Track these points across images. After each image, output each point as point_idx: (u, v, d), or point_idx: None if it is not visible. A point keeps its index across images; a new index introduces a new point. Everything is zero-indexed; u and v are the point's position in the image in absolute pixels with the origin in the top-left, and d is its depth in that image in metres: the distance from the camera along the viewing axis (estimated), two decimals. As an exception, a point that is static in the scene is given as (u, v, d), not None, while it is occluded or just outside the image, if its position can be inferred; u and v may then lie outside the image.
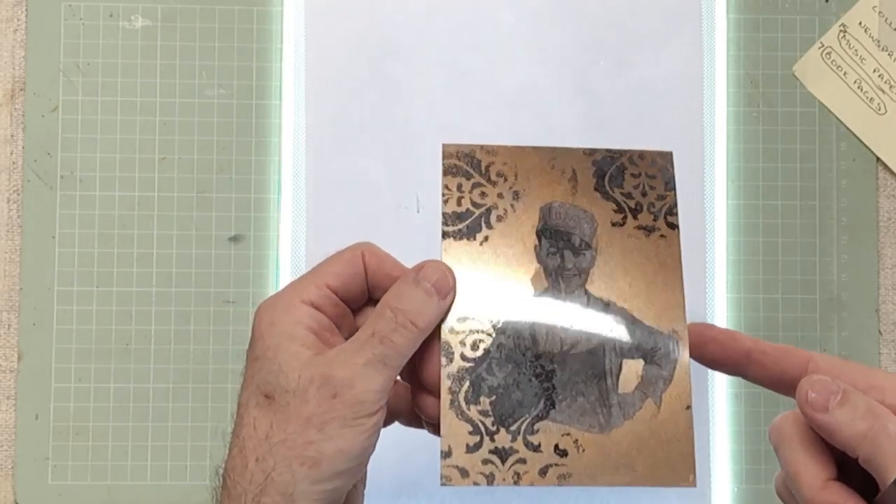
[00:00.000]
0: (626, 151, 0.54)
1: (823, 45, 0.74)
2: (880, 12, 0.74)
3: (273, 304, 0.50)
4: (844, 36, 0.74)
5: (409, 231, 0.72)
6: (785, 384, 0.51)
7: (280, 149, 0.72)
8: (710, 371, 0.71)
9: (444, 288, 0.50)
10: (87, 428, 0.71)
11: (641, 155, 0.54)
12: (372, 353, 0.48)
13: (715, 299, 0.72)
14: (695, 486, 0.50)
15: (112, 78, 0.73)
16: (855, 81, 0.74)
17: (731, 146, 0.73)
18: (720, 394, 0.71)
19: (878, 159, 0.74)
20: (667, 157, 0.54)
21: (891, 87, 0.74)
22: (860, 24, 0.74)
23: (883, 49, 0.74)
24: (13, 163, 0.73)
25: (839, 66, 0.74)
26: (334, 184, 0.72)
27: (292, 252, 0.72)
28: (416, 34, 0.73)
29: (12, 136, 0.73)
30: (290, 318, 0.49)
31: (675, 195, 0.54)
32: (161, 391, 0.71)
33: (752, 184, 0.73)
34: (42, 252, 0.72)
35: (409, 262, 0.73)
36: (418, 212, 0.72)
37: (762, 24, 0.74)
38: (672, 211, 0.53)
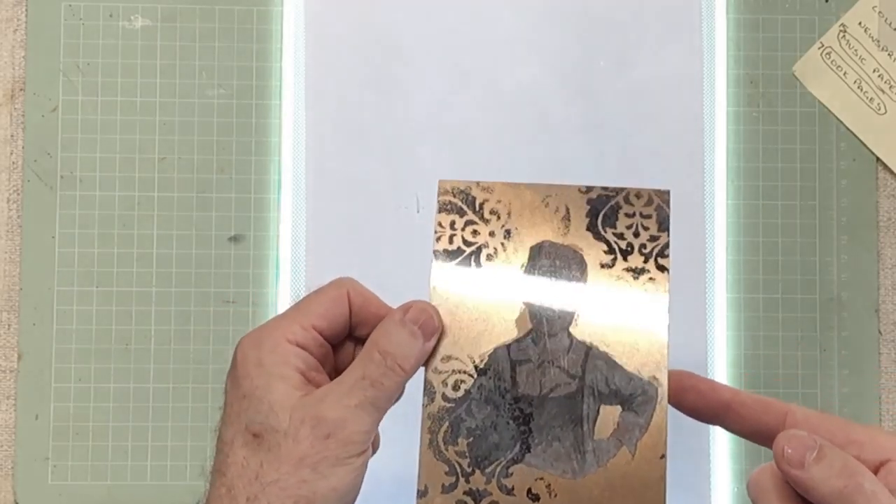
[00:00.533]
0: (622, 190, 0.53)
1: (823, 45, 0.74)
2: (880, 12, 0.74)
3: (258, 341, 0.50)
4: (844, 36, 0.74)
5: (409, 231, 0.72)
6: (763, 436, 0.51)
7: (280, 149, 0.72)
8: (710, 373, 0.71)
9: (429, 330, 0.51)
10: (87, 428, 0.71)
11: (638, 194, 0.53)
12: (363, 396, 0.49)
13: (715, 299, 0.72)
14: None
15: (112, 78, 0.73)
16: (855, 81, 0.74)
17: (731, 146, 0.73)
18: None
19: (878, 159, 0.74)
20: (663, 197, 0.53)
21: (891, 87, 0.74)
22: (860, 24, 0.74)
23: (883, 49, 0.74)
24: (13, 163, 0.73)
25: (839, 66, 0.74)
26: (334, 184, 0.72)
27: (292, 252, 0.72)
28: (416, 34, 0.73)
29: (12, 136, 0.73)
30: (278, 359, 0.49)
31: (668, 236, 0.53)
32: (161, 391, 0.71)
33: (752, 184, 0.73)
34: (42, 252, 0.72)
35: (409, 263, 0.73)
36: (418, 212, 0.72)
37: (762, 24, 0.74)
38: (663, 253, 0.53)
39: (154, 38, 0.73)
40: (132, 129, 0.73)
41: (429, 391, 0.51)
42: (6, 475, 0.71)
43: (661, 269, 0.53)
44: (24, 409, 0.71)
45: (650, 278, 0.53)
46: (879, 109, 0.74)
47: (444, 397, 0.51)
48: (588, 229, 0.53)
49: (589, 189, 0.54)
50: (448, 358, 0.52)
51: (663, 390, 0.51)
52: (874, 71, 0.74)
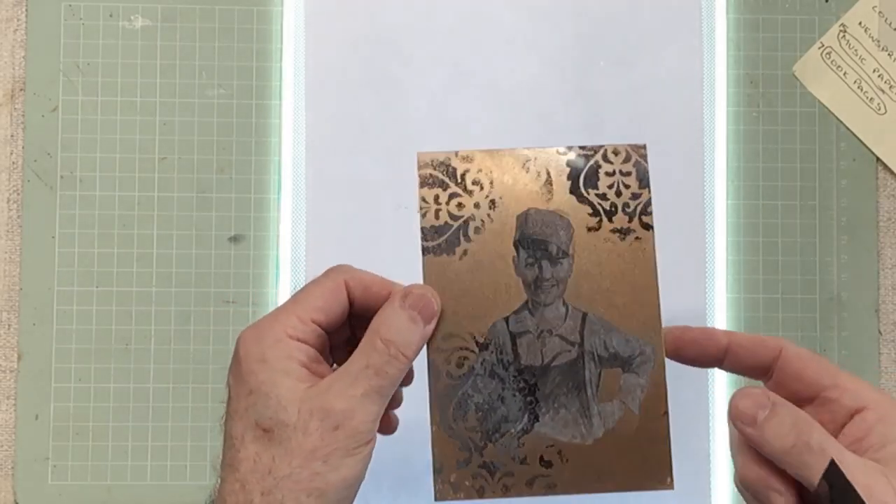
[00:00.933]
0: (599, 147, 0.54)
1: (823, 45, 0.74)
2: (880, 12, 0.74)
3: (259, 337, 0.50)
4: (844, 36, 0.74)
5: (409, 231, 0.72)
6: (759, 372, 0.53)
7: (280, 149, 0.72)
8: (709, 371, 0.71)
9: (429, 314, 0.51)
10: (87, 428, 0.71)
11: (615, 150, 0.54)
12: (368, 385, 0.49)
13: (715, 299, 0.72)
14: (672, 488, 0.52)
15: (112, 78, 0.73)
16: (855, 81, 0.74)
17: (731, 146, 0.73)
18: (720, 394, 0.71)
19: (878, 159, 0.74)
20: (640, 151, 0.54)
21: (891, 87, 0.74)
22: (860, 24, 0.74)
23: (883, 49, 0.74)
24: (13, 163, 0.73)
25: (839, 66, 0.74)
26: (334, 184, 0.72)
27: (292, 252, 0.72)
28: (416, 34, 0.73)
29: (12, 136, 0.73)
30: (281, 353, 0.49)
31: (649, 192, 0.53)
32: (161, 391, 0.71)
33: (752, 184, 0.73)
34: (42, 252, 0.72)
35: (409, 263, 0.73)
36: (418, 212, 0.72)
37: (762, 24, 0.74)
38: (647, 210, 0.53)
39: (154, 38, 0.73)
40: (132, 129, 0.73)
41: (434, 371, 0.52)
42: (6, 475, 0.71)
43: (646, 226, 0.53)
44: (24, 409, 0.71)
45: (636, 238, 0.53)
46: (879, 109, 0.74)
47: (450, 375, 0.52)
48: (571, 192, 0.53)
49: (568, 150, 0.54)
50: (449, 336, 0.53)
51: (660, 348, 0.52)
52: (874, 71, 0.74)
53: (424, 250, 0.53)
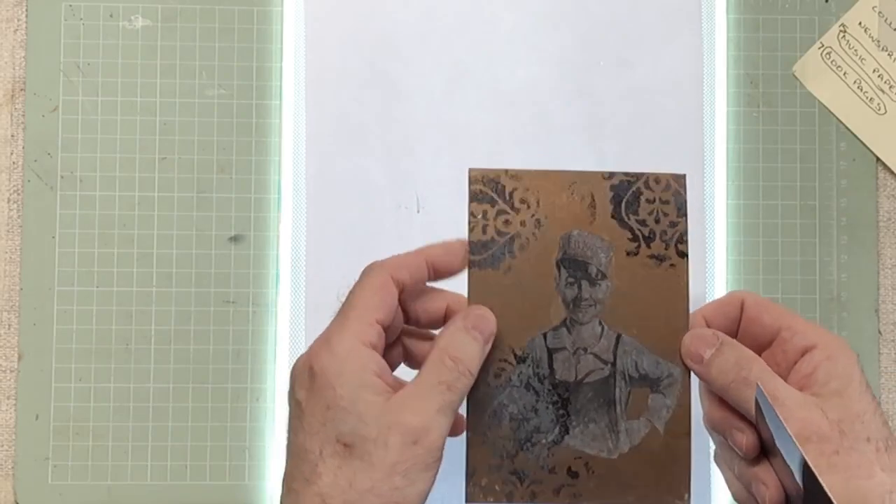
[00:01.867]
0: (642, 175, 0.56)
1: (823, 45, 0.74)
2: (880, 12, 0.74)
3: (330, 349, 0.51)
4: (844, 36, 0.74)
5: (409, 231, 0.72)
6: (734, 329, 0.57)
7: (280, 149, 0.72)
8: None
9: (488, 334, 0.54)
10: (87, 428, 0.71)
11: (657, 179, 0.56)
12: (442, 400, 0.51)
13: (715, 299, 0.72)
14: (688, 503, 0.55)
15: (112, 78, 0.73)
16: (855, 81, 0.74)
17: (731, 146, 0.73)
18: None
19: (878, 159, 0.74)
20: (680, 182, 0.56)
21: (891, 87, 0.74)
22: (860, 24, 0.74)
23: (883, 49, 0.74)
24: (13, 163, 0.73)
25: (839, 66, 0.74)
26: (334, 184, 0.72)
27: (292, 252, 0.72)
28: (416, 34, 0.73)
29: (12, 136, 0.73)
30: (356, 365, 0.51)
31: (686, 222, 0.56)
32: (161, 391, 0.71)
33: (752, 184, 0.73)
34: (42, 252, 0.72)
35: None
36: (418, 212, 0.72)
37: (762, 24, 0.74)
38: (682, 239, 0.56)
39: (154, 38, 0.73)
40: (132, 129, 0.73)
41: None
42: (6, 475, 0.71)
43: (681, 254, 0.56)
44: (24, 409, 0.71)
45: (671, 264, 0.56)
46: (879, 109, 0.74)
47: (487, 384, 0.55)
48: (613, 216, 0.56)
49: (611, 175, 0.56)
50: (490, 347, 0.55)
51: (687, 372, 0.55)
52: (874, 71, 0.74)
53: (471, 264, 0.55)
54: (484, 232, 0.55)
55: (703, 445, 0.67)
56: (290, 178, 0.72)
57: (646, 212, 0.56)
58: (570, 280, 0.55)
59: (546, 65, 0.73)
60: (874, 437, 0.51)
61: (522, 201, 0.56)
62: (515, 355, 0.55)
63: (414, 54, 0.73)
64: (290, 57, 0.72)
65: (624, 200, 0.56)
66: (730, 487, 0.57)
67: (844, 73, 0.74)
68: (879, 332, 0.73)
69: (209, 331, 0.72)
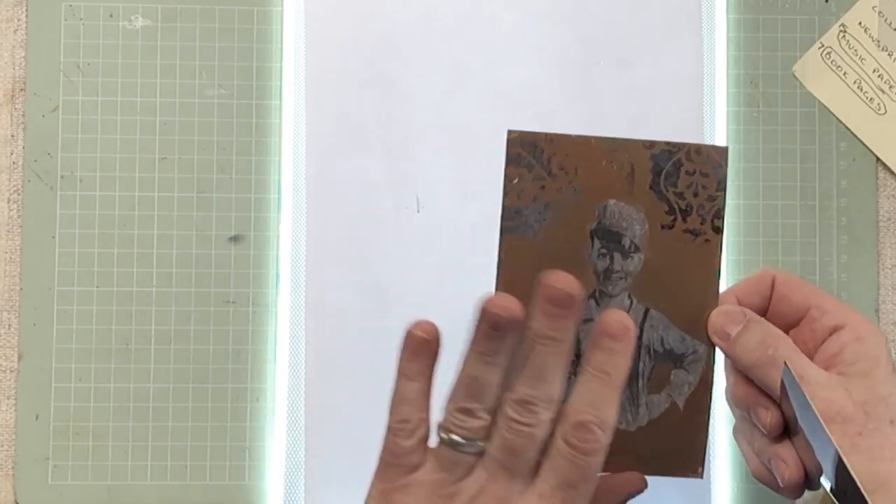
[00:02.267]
0: (683, 145, 0.54)
1: (823, 45, 0.74)
2: (880, 12, 0.74)
3: None
4: (844, 36, 0.74)
5: (409, 231, 0.72)
6: (764, 307, 0.56)
7: (280, 149, 0.72)
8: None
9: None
10: (87, 428, 0.71)
11: (698, 150, 0.55)
12: None
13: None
14: (701, 477, 0.55)
15: (112, 78, 0.73)
16: (855, 81, 0.74)
17: (731, 146, 0.73)
18: (720, 394, 0.71)
19: (878, 159, 0.74)
20: (721, 154, 0.55)
21: (891, 87, 0.74)
22: (860, 24, 0.74)
23: (883, 49, 0.74)
24: (13, 163, 0.73)
25: (839, 66, 0.74)
26: (334, 184, 0.72)
27: (292, 252, 0.72)
28: (416, 34, 0.73)
29: (12, 136, 0.73)
30: None
31: (724, 196, 0.54)
32: (161, 391, 0.71)
33: (752, 184, 0.73)
34: (42, 252, 0.72)
35: (409, 262, 0.73)
36: (418, 212, 0.72)
37: (762, 24, 0.74)
38: (719, 214, 0.54)
39: (154, 38, 0.73)
40: (132, 129, 0.73)
41: None
42: (6, 475, 0.71)
43: (717, 230, 0.55)
44: (24, 409, 0.71)
45: (706, 240, 0.54)
46: (879, 109, 0.74)
47: None
48: (651, 188, 0.54)
49: (652, 144, 0.54)
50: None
51: (711, 349, 0.54)
52: (874, 71, 0.74)
53: (503, 229, 0.54)
54: (519, 197, 0.54)
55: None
56: (290, 178, 0.72)
57: (685, 184, 0.54)
58: (603, 251, 0.54)
59: (546, 65, 0.73)
60: None
61: (561, 168, 0.54)
62: None
63: (414, 54, 0.73)
64: (290, 57, 0.72)
65: (664, 171, 0.54)
66: (748, 463, 0.56)
67: (844, 73, 0.74)
68: (879, 332, 0.73)
69: (209, 331, 0.72)
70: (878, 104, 0.74)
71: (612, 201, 0.54)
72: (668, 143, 0.54)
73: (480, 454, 0.47)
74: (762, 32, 0.74)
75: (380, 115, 0.72)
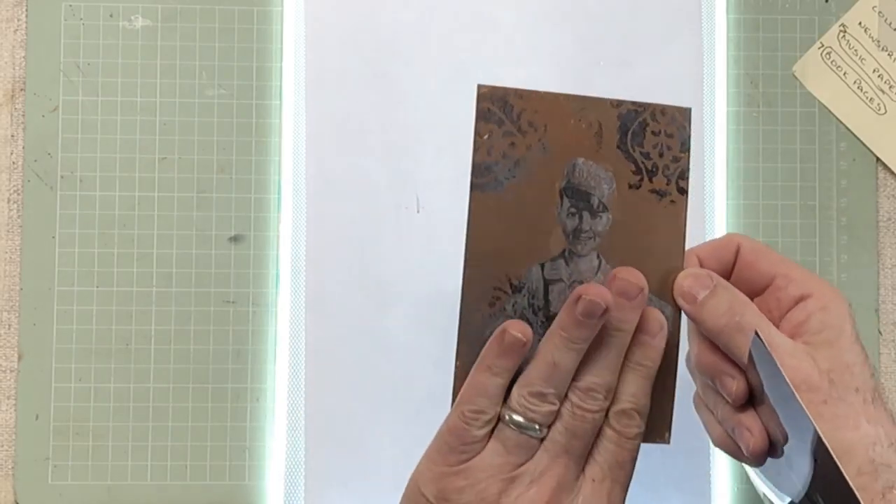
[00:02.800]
0: (649, 105, 0.55)
1: (823, 45, 0.74)
2: (880, 12, 0.74)
3: None
4: (844, 36, 0.74)
5: (409, 231, 0.72)
6: (728, 272, 0.56)
7: (280, 149, 0.72)
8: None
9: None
10: (87, 428, 0.71)
11: (663, 111, 0.55)
12: None
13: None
14: (668, 443, 0.54)
15: (112, 78, 0.73)
16: (855, 81, 0.74)
17: (731, 146, 0.73)
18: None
19: (878, 159, 0.74)
20: (685, 115, 0.55)
21: (891, 87, 0.74)
22: (860, 24, 0.74)
23: (883, 49, 0.74)
24: (13, 163, 0.73)
25: (839, 66, 0.74)
26: (334, 184, 0.72)
27: (292, 252, 0.72)
28: (416, 34, 0.73)
29: (12, 136, 0.73)
30: None
31: (688, 157, 0.55)
32: (161, 391, 0.71)
33: (752, 184, 0.73)
34: (42, 252, 0.72)
35: (409, 263, 0.73)
36: (418, 212, 0.72)
37: (762, 24, 0.74)
38: (684, 175, 0.55)
39: (154, 38, 0.73)
40: (132, 129, 0.73)
41: (466, 307, 0.53)
42: (6, 475, 0.71)
43: (682, 191, 0.55)
44: (24, 409, 0.71)
45: (671, 200, 0.55)
46: (879, 109, 0.74)
47: (480, 312, 0.53)
48: (618, 147, 0.54)
49: (619, 104, 0.55)
50: (486, 275, 0.53)
51: (677, 311, 0.54)
52: (874, 71, 0.74)
53: (473, 186, 0.54)
54: (489, 153, 0.54)
55: (700, 429, 0.66)
56: (290, 178, 0.72)
57: (650, 144, 0.55)
58: (572, 210, 0.54)
59: (546, 65, 0.73)
60: (862, 388, 0.51)
61: (530, 124, 0.54)
62: (511, 284, 0.53)
63: (414, 54, 0.73)
64: (290, 57, 0.72)
65: (630, 131, 0.55)
66: (710, 431, 0.56)
67: (844, 73, 0.74)
68: (879, 332, 0.73)
69: (209, 331, 0.72)
70: (878, 104, 0.74)
71: (580, 160, 0.54)
72: (634, 103, 0.55)
73: (541, 440, 0.50)
74: (762, 32, 0.74)
75: (380, 115, 0.72)
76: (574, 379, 0.51)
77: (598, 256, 0.54)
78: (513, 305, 0.53)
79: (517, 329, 0.51)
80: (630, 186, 0.54)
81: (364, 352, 0.71)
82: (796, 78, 0.74)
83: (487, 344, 0.51)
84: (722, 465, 0.71)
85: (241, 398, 0.71)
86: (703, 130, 0.73)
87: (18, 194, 0.72)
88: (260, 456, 0.71)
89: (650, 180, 0.54)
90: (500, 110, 0.54)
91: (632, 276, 0.51)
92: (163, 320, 0.72)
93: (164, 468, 0.71)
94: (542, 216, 0.54)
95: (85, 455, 0.71)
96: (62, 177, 0.72)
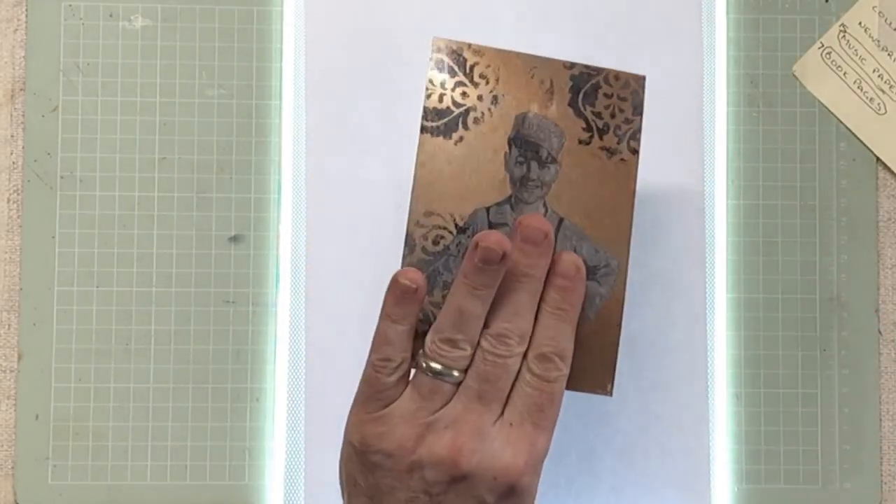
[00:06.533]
0: (602, 70, 0.57)
1: (823, 45, 0.74)
2: (880, 12, 0.74)
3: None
4: (844, 36, 0.74)
5: (409, 231, 0.72)
6: None
7: (280, 149, 0.72)
8: (710, 373, 0.71)
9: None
10: (87, 428, 0.71)
11: (617, 76, 0.57)
12: None
13: (715, 299, 0.72)
14: (611, 395, 0.55)
15: (112, 78, 0.73)
16: (855, 81, 0.74)
17: (731, 146, 0.73)
18: (720, 394, 0.71)
19: (878, 159, 0.74)
20: (639, 82, 0.57)
21: (891, 87, 0.74)
22: (860, 24, 0.74)
23: (883, 49, 0.74)
24: (13, 163, 0.73)
25: (839, 66, 0.74)
26: (334, 184, 0.72)
27: (292, 252, 0.72)
28: (416, 34, 0.73)
29: (12, 136, 0.73)
30: None
31: (640, 121, 0.57)
32: (161, 391, 0.71)
33: (752, 184, 0.73)
34: (42, 252, 0.72)
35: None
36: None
37: (762, 24, 0.74)
38: (636, 136, 0.57)
39: (154, 38, 0.73)
40: (132, 129, 0.73)
41: (409, 243, 0.56)
42: (6, 475, 0.71)
43: (633, 151, 0.57)
44: (24, 409, 0.71)
45: (622, 159, 0.56)
46: (879, 109, 0.74)
47: (424, 250, 0.55)
48: (570, 105, 0.56)
49: (573, 65, 0.57)
50: (430, 213, 0.56)
51: (624, 264, 0.56)
52: (874, 71, 0.74)
53: (423, 129, 0.56)
54: (440, 100, 0.56)
55: (699, 430, 0.67)
56: (290, 178, 0.72)
57: (602, 105, 0.56)
58: (520, 160, 0.56)
59: (546, 65, 0.73)
60: None
61: (482, 77, 0.56)
62: (456, 224, 0.55)
63: (414, 54, 0.73)
64: (290, 57, 0.72)
65: (582, 91, 0.56)
66: None
67: (844, 73, 0.74)
68: (879, 332, 0.73)
69: (209, 331, 0.72)
70: (878, 104, 0.74)
71: (531, 112, 0.56)
72: (587, 66, 0.57)
73: (457, 385, 0.52)
74: (762, 32, 0.74)
75: (380, 115, 0.72)
76: (485, 325, 0.52)
77: (544, 205, 0.55)
78: (457, 245, 0.55)
79: (407, 277, 0.52)
80: (580, 142, 0.56)
81: (364, 352, 0.70)
82: (796, 78, 0.74)
83: (385, 293, 0.53)
84: (722, 465, 0.71)
85: (241, 398, 0.71)
86: (704, 130, 0.73)
87: (18, 194, 0.72)
88: (260, 456, 0.71)
89: (600, 138, 0.56)
90: (453, 62, 0.56)
91: (535, 222, 0.52)
92: (163, 320, 0.72)
93: (163, 468, 0.71)
94: (490, 163, 0.56)
95: (85, 455, 0.71)
96: (62, 177, 0.72)
